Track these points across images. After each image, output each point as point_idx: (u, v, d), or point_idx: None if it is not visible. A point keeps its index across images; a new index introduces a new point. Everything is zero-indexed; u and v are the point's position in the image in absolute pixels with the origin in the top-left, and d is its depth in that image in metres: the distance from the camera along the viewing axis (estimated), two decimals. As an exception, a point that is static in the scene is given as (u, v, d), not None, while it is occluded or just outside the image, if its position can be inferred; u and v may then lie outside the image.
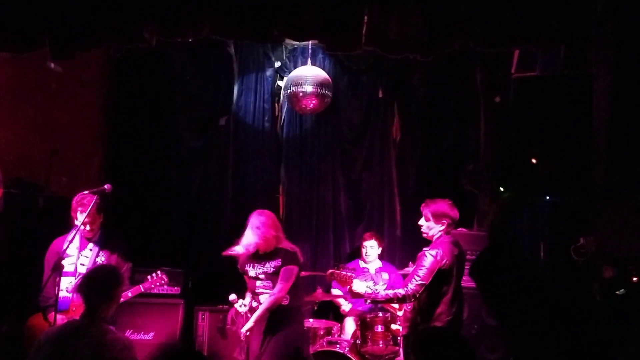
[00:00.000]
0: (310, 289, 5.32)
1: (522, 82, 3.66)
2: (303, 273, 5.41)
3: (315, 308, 5.34)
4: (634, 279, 3.05)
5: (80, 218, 4.19)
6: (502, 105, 5.49)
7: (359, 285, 3.99)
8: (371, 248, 5.49)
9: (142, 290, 4.39)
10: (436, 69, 5.91)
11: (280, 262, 4.25)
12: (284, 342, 4.13)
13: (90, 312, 2.99)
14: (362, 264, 5.59)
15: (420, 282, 3.83)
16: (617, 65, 3.38)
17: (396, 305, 4.34)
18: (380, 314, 4.77)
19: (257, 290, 4.31)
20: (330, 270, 4.28)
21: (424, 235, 4.08)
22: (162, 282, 4.46)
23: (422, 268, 3.84)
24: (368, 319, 4.76)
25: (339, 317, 5.55)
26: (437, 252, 3.86)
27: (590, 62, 3.69)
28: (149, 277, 4.43)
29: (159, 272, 4.47)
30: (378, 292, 3.96)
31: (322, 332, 5.06)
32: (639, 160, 3.23)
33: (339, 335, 5.16)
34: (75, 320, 3.08)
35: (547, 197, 3.87)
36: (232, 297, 4.35)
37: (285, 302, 4.22)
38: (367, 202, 6.16)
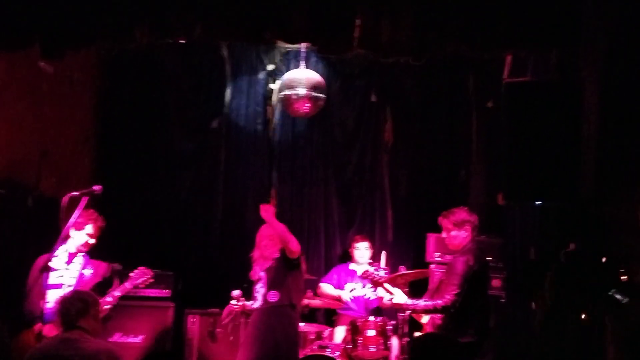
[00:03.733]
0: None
1: (513, 87, 3.68)
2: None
3: (306, 312, 5.33)
4: (623, 277, 3.09)
5: (88, 230, 4.23)
6: (494, 110, 5.51)
7: (400, 297, 4.08)
8: (366, 250, 5.50)
9: (129, 287, 4.33)
10: (429, 74, 5.93)
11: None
12: (268, 346, 4.12)
13: (71, 326, 3.09)
14: (352, 267, 5.59)
15: (457, 291, 3.93)
16: (606, 71, 3.40)
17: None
18: (372, 319, 4.77)
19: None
20: (364, 269, 4.41)
21: (451, 246, 4.18)
22: (147, 275, 4.37)
23: (456, 276, 3.94)
24: (359, 324, 4.76)
25: (330, 321, 5.54)
26: (467, 258, 3.96)
27: (580, 68, 3.72)
28: (130, 274, 4.37)
29: (139, 267, 4.40)
30: (418, 303, 4.06)
31: (312, 337, 5.04)
32: (627, 165, 3.25)
33: (330, 340, 5.15)
34: (62, 335, 3.16)
35: (537, 202, 3.89)
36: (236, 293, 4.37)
37: (274, 299, 4.24)
38: (358, 206, 6.16)
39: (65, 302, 3.21)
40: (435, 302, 3.98)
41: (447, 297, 3.92)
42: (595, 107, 3.52)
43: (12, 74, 4.83)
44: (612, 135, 3.40)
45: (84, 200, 4.12)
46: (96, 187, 4.17)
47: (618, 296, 3.14)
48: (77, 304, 3.16)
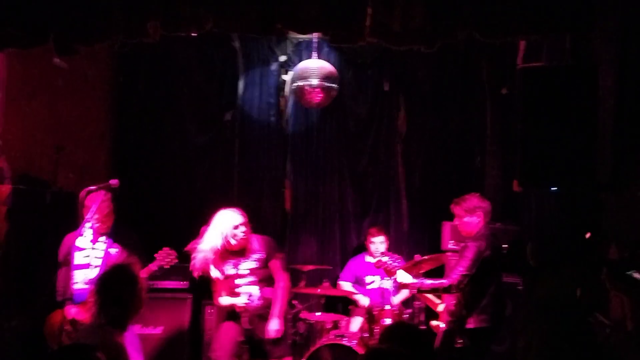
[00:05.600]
0: (317, 283, 5.33)
1: (527, 72, 3.65)
2: (309, 267, 5.45)
3: (323, 301, 5.35)
4: None
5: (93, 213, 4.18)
6: (508, 96, 5.46)
7: (404, 276, 4.07)
8: (381, 244, 5.49)
9: (155, 268, 4.34)
10: (442, 62, 5.89)
11: (263, 254, 4.30)
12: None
13: (99, 313, 2.98)
14: (368, 259, 5.59)
15: (464, 272, 3.93)
16: (621, 55, 3.36)
17: (437, 301, 4.38)
18: (388, 308, 4.78)
19: (237, 290, 4.27)
20: (378, 258, 4.40)
21: (464, 233, 4.21)
22: (171, 256, 4.37)
23: (466, 259, 3.96)
24: (375, 313, 4.77)
25: (347, 310, 5.55)
26: (479, 244, 3.97)
27: (595, 52, 3.67)
28: (155, 255, 4.39)
29: (164, 248, 4.41)
30: (423, 282, 4.09)
31: (329, 326, 5.06)
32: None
33: (347, 329, 5.16)
34: (93, 323, 3.06)
35: (553, 189, 3.87)
36: None
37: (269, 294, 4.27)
38: (373, 196, 6.16)
39: (103, 289, 2.98)
40: (441, 281, 4.01)
41: (453, 277, 3.95)
42: (611, 91, 3.47)
43: (27, 71, 4.88)
44: (629, 119, 3.36)
45: (101, 194, 4.16)
46: (113, 181, 4.22)
47: (637, 276, 3.13)
48: (115, 290, 2.96)
